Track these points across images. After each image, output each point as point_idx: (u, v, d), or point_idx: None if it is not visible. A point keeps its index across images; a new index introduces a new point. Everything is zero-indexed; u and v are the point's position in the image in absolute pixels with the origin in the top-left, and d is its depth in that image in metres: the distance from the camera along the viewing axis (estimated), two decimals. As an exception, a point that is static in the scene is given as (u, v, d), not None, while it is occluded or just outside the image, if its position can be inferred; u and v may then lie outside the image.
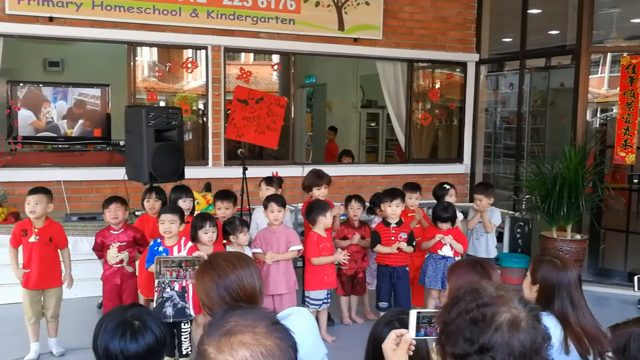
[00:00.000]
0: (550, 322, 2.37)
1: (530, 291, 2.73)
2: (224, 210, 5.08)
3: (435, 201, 5.77)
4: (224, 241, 4.59)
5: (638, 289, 3.36)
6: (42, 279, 4.53)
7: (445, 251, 5.13)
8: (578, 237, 6.49)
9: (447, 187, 5.80)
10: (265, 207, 4.90)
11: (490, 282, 1.55)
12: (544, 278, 2.71)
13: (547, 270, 2.71)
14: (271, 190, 5.35)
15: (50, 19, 6.52)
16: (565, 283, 2.65)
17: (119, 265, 4.64)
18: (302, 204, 5.92)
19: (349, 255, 5.00)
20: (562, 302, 2.64)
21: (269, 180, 5.53)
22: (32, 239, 4.47)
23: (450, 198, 5.68)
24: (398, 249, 5.06)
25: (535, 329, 1.41)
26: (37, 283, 4.52)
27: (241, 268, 2.11)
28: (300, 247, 4.89)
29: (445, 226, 5.17)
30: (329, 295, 5.05)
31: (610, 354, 1.81)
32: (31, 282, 4.51)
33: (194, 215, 4.89)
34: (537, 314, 1.44)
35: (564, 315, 2.62)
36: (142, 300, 4.79)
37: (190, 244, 4.38)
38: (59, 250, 4.65)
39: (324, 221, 4.92)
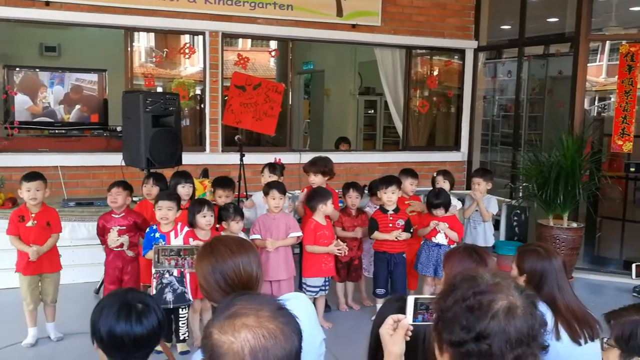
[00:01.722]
0: (541, 309, 2.40)
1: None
2: (224, 199, 5.07)
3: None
4: (217, 226, 4.59)
5: (636, 277, 3.38)
6: (40, 264, 4.52)
7: (440, 239, 5.14)
8: (574, 225, 6.51)
9: (435, 174, 5.86)
10: (266, 193, 4.89)
11: (486, 270, 1.55)
12: (530, 268, 2.76)
13: (533, 260, 2.76)
14: (274, 178, 5.34)
15: (47, 3, 6.47)
16: (551, 270, 2.71)
17: (119, 249, 4.65)
18: (299, 191, 5.93)
19: (343, 252, 4.98)
20: (549, 289, 2.69)
21: (273, 168, 5.51)
22: (29, 223, 4.47)
23: (444, 184, 5.67)
24: (396, 237, 5.07)
25: (532, 315, 1.41)
26: (35, 268, 4.52)
27: (239, 254, 2.12)
28: (300, 233, 4.89)
29: (439, 212, 5.18)
30: (327, 283, 5.06)
31: (611, 341, 1.81)
32: (29, 267, 4.50)
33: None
34: (533, 300, 1.45)
35: (552, 301, 2.66)
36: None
37: (186, 229, 4.40)
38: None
39: (324, 209, 4.92)
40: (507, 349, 1.37)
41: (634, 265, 3.32)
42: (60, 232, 4.71)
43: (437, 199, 5.20)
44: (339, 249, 4.92)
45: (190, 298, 4.39)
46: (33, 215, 4.49)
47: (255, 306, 1.35)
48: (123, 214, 4.73)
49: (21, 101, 6.85)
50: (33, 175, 4.52)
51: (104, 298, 2.14)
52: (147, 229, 4.48)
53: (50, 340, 4.64)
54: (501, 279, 1.48)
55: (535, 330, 1.40)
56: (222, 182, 5.25)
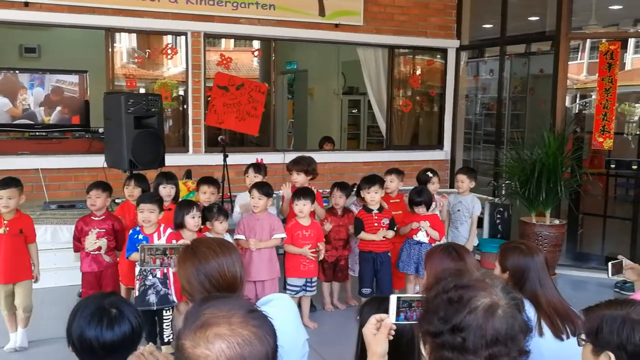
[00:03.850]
0: (526, 312, 2.42)
1: None
2: (209, 195, 5.06)
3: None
4: (202, 226, 4.57)
5: (611, 275, 3.40)
6: (12, 272, 4.37)
7: (421, 237, 5.16)
8: (557, 222, 6.56)
9: (430, 174, 5.80)
10: (249, 192, 4.91)
11: (478, 269, 1.57)
12: (512, 265, 2.78)
13: (515, 257, 2.78)
14: (259, 178, 5.33)
15: (26, 4, 6.40)
16: (533, 267, 2.74)
17: (96, 252, 4.59)
18: (281, 191, 5.91)
19: (314, 257, 4.98)
20: (532, 285, 2.71)
21: (257, 167, 5.50)
22: (1, 230, 4.32)
23: (432, 186, 5.68)
24: (384, 237, 5.08)
25: (514, 318, 1.41)
26: (7, 277, 4.37)
27: (222, 255, 2.11)
28: (284, 235, 4.89)
29: (421, 210, 5.19)
30: (312, 284, 5.05)
31: (583, 336, 1.84)
32: (1, 276, 4.36)
33: (178, 202, 4.86)
34: (519, 304, 1.45)
35: (535, 297, 2.69)
36: (123, 289, 4.75)
37: (169, 230, 4.37)
38: (27, 245, 4.49)
39: (297, 209, 4.92)
40: (481, 345, 1.38)
41: (610, 264, 3.34)
42: (35, 241, 4.54)
43: (418, 197, 5.22)
44: (311, 254, 4.91)
45: (175, 300, 4.35)
46: (6, 222, 4.34)
47: (225, 313, 1.30)
48: (103, 216, 4.68)
49: (0, 103, 6.77)
50: (5, 182, 4.34)
51: (81, 300, 2.13)
52: (130, 231, 4.44)
53: (32, 345, 4.55)
54: (489, 278, 1.49)
55: (514, 332, 1.40)
56: (207, 179, 5.25)
